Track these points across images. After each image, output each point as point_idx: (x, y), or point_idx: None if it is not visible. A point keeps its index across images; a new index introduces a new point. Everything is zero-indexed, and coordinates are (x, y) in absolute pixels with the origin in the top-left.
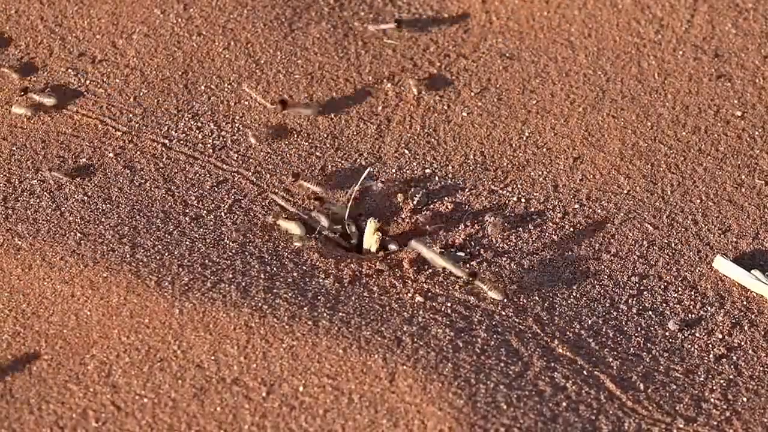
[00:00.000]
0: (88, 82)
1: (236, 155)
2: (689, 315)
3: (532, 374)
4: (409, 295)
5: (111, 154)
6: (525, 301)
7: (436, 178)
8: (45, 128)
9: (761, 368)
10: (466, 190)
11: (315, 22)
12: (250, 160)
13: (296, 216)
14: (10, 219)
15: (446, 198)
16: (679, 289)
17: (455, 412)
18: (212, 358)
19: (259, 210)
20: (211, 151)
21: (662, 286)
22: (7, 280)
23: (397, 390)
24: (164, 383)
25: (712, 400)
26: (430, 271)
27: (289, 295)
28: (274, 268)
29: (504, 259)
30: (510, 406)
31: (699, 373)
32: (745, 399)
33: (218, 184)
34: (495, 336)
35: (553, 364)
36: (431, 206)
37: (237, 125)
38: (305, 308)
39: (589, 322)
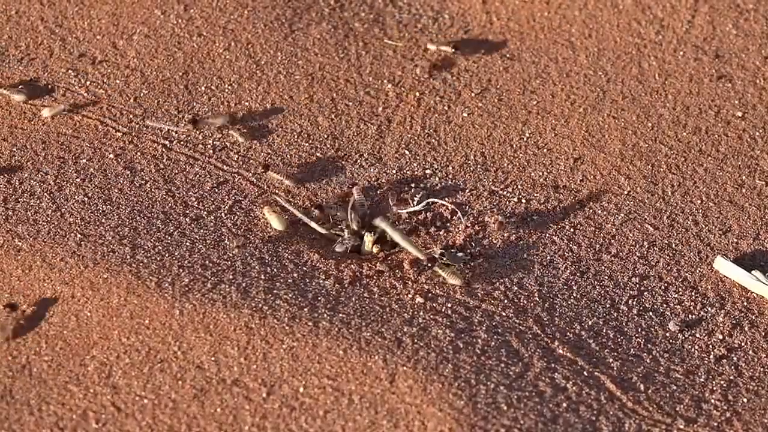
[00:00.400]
0: (88, 83)
1: (236, 156)
2: (690, 316)
3: (532, 375)
4: (410, 296)
5: (111, 155)
6: (525, 301)
7: (437, 179)
8: (45, 129)
9: (761, 369)
10: (467, 190)
11: (315, 23)
12: (251, 161)
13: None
14: (11, 220)
15: (447, 199)
16: (680, 289)
17: (455, 412)
18: (212, 359)
19: (259, 211)
20: (211, 152)
21: (663, 287)
22: (8, 281)
23: (398, 391)
24: (164, 384)
25: (712, 400)
26: (431, 272)
27: (290, 296)
28: (275, 269)
29: (504, 259)
30: (510, 407)
31: (699, 373)
32: (745, 400)
33: (218, 185)
34: (495, 337)
35: (553, 365)
36: (431, 207)
37: (237, 125)
38: (305, 309)
39: (590, 322)
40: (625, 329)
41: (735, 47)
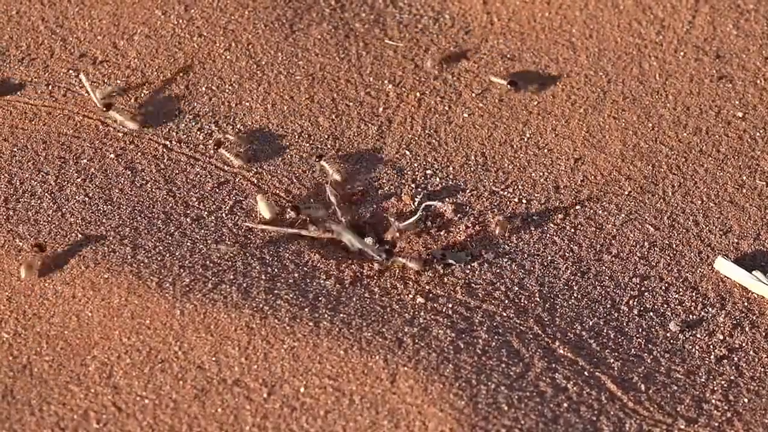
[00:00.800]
0: (89, 83)
1: (237, 156)
2: (690, 316)
3: (533, 375)
4: (410, 296)
5: (112, 155)
6: (526, 302)
7: (437, 179)
8: (46, 129)
9: (762, 369)
10: (467, 191)
11: (316, 24)
12: (251, 161)
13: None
14: (11, 220)
15: (447, 199)
16: (680, 290)
17: (456, 413)
18: (213, 359)
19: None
20: (212, 152)
21: (663, 287)
22: (8, 282)
23: (398, 391)
24: (165, 384)
25: (713, 401)
26: (431, 272)
27: (290, 296)
28: (275, 269)
29: (505, 259)
30: (511, 407)
31: (700, 374)
32: (746, 400)
33: (219, 185)
34: (496, 337)
35: (554, 365)
36: (432, 207)
37: (238, 126)
38: (306, 309)
39: (591, 323)
40: (626, 329)
41: (736, 48)
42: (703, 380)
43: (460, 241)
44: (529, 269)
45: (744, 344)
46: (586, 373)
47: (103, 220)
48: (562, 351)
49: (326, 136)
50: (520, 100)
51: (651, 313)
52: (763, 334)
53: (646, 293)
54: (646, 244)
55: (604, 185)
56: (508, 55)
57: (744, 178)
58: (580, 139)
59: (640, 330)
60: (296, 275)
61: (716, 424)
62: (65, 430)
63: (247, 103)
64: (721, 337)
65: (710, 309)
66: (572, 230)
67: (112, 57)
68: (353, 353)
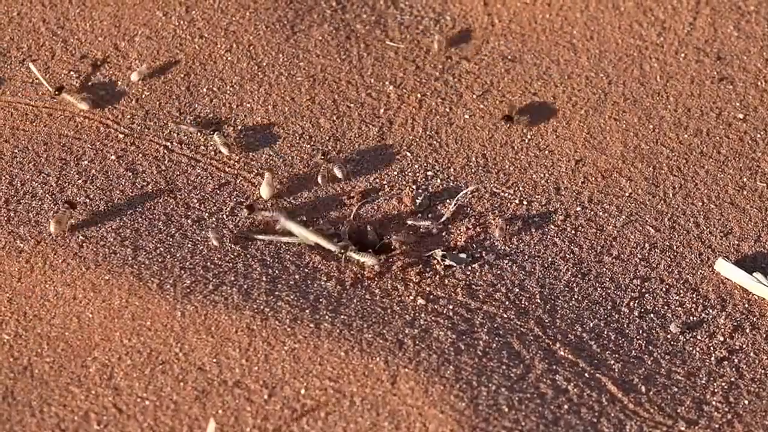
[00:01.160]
0: (90, 84)
1: (238, 157)
2: (691, 318)
3: (533, 377)
4: (411, 297)
5: (113, 157)
6: (527, 303)
7: (438, 181)
8: (47, 131)
9: (763, 371)
10: (468, 192)
11: (317, 25)
12: (252, 162)
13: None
14: (12, 221)
15: (448, 200)
16: (681, 291)
17: (457, 414)
18: (214, 360)
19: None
20: (213, 153)
21: (664, 289)
22: (9, 283)
23: (399, 392)
24: (166, 386)
25: (713, 402)
26: (432, 273)
27: (291, 297)
28: (276, 271)
29: (506, 261)
30: (512, 409)
31: (701, 375)
32: (746, 402)
33: (220, 187)
34: (497, 338)
35: (554, 367)
36: (433, 208)
37: (239, 127)
38: (307, 311)
39: (591, 324)
40: (627, 331)
41: (736, 49)
42: (703, 382)
43: (461, 242)
44: (530, 271)
45: (744, 346)
46: (586, 374)
47: (104, 222)
48: (562, 352)
49: (327, 138)
50: (521, 102)
51: (651, 315)
52: (764, 335)
53: (646, 295)
54: (646, 245)
55: (604, 187)
56: (509, 57)
57: (745, 179)
58: (581, 140)
59: (640, 331)
60: (297, 277)
61: (717, 426)
62: None
63: (248, 105)
64: (722, 339)
65: (711, 311)
66: (573, 232)
67: (113, 58)
68: (354, 355)
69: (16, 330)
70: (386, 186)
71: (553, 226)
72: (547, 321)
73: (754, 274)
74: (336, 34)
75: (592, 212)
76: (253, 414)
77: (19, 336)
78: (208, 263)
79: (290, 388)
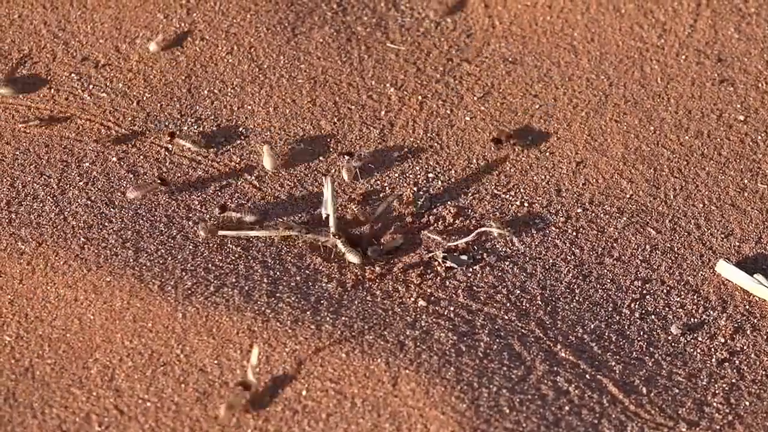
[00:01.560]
0: (91, 86)
1: (239, 159)
2: (692, 319)
3: (534, 378)
4: (412, 299)
5: (114, 159)
6: (528, 305)
7: (439, 182)
8: (48, 132)
9: (764, 372)
10: (469, 194)
11: (318, 27)
12: (253, 164)
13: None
14: (14, 223)
15: (449, 202)
16: (682, 293)
17: (458, 416)
18: (215, 362)
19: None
20: (213, 155)
21: (665, 290)
22: (11, 284)
23: (400, 394)
24: (167, 387)
25: (714, 404)
26: (433, 275)
27: (292, 299)
28: (277, 273)
29: (507, 263)
30: (513, 410)
31: (701, 377)
32: (747, 403)
33: (221, 188)
34: (498, 340)
35: (555, 368)
36: (434, 210)
37: (240, 129)
38: (308, 312)
39: (592, 326)
40: (628, 332)
41: (737, 51)
42: (704, 383)
43: (462, 243)
44: (531, 272)
45: (745, 347)
46: (587, 376)
47: (105, 223)
48: (563, 354)
49: (328, 139)
50: (522, 104)
51: (652, 317)
52: (765, 337)
53: (647, 296)
54: (647, 247)
55: (605, 188)
56: (510, 59)
57: (745, 181)
58: (582, 142)
59: (641, 333)
60: (298, 278)
61: (717, 427)
62: None
63: (249, 107)
64: (723, 341)
65: (712, 312)
66: (574, 233)
67: (114, 60)
68: (355, 356)
69: (18, 331)
70: (387, 188)
71: (554, 228)
72: (548, 322)
73: (754, 275)
74: (337, 36)
75: (593, 214)
76: (254, 415)
77: (21, 337)
78: (210, 265)
79: (291, 390)
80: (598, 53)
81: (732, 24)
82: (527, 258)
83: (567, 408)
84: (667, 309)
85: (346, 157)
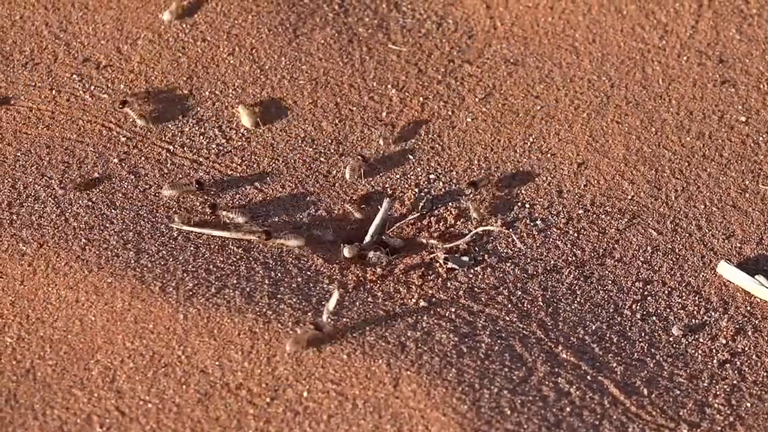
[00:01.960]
0: (92, 87)
1: (240, 160)
2: (693, 320)
3: (536, 379)
4: (413, 300)
5: (115, 160)
6: (529, 306)
7: (441, 184)
8: (50, 134)
9: (765, 374)
10: (471, 195)
11: (320, 28)
12: (254, 165)
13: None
14: (15, 224)
15: (450, 204)
16: (683, 294)
17: (459, 417)
18: (216, 363)
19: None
20: (215, 156)
21: (666, 292)
22: (12, 286)
23: (401, 395)
24: (168, 389)
25: (715, 405)
26: (434, 276)
27: (294, 300)
28: (279, 274)
29: (508, 264)
30: (514, 411)
31: (703, 378)
32: (748, 404)
33: (223, 190)
34: (499, 341)
35: (557, 370)
36: (435, 212)
37: (241, 131)
38: (309, 313)
39: (593, 327)
40: (629, 334)
41: (739, 52)
42: (705, 384)
43: (464, 245)
44: (532, 273)
45: (747, 348)
46: (588, 377)
47: (107, 225)
48: (564, 355)
49: (330, 141)
50: (523, 105)
51: (654, 318)
52: (766, 338)
53: (648, 297)
54: (648, 248)
55: (607, 190)
56: (511, 60)
57: (747, 182)
58: (583, 143)
59: (642, 334)
60: (299, 279)
61: (719, 429)
62: None
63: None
64: (724, 342)
65: (713, 313)
66: (575, 235)
67: (116, 61)
68: (356, 357)
69: (19, 333)
70: (388, 189)
71: (555, 229)
72: (549, 324)
73: (756, 276)
74: (338, 38)
75: (595, 215)
76: (255, 417)
77: (22, 339)
78: (211, 266)
79: (292, 391)
80: (599, 54)
81: (733, 25)
82: (528, 259)
83: (568, 409)
84: (668, 310)
85: (359, 158)
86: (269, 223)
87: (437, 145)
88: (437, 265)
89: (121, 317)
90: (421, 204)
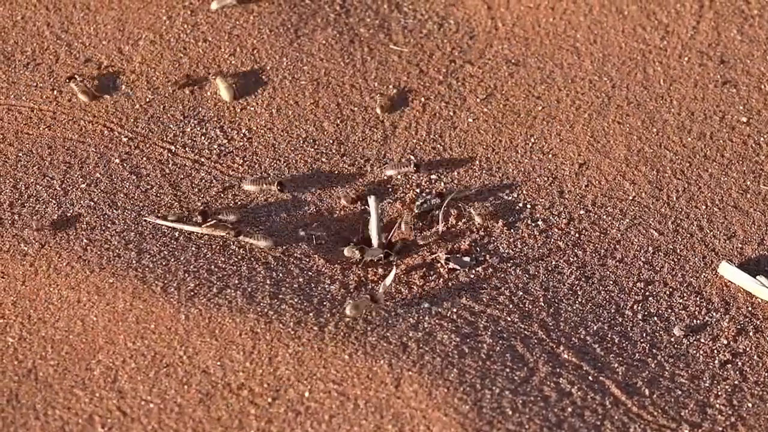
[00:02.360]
0: (94, 88)
1: (242, 161)
2: (694, 321)
3: (537, 380)
4: (415, 300)
5: (117, 160)
6: (530, 306)
7: (442, 184)
8: (51, 134)
9: (766, 374)
10: (472, 196)
11: (321, 29)
12: (256, 165)
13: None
14: (17, 225)
15: (451, 204)
16: (685, 294)
17: (461, 417)
18: (218, 363)
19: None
20: (216, 156)
21: (667, 292)
22: (13, 286)
23: (403, 395)
24: (170, 389)
25: (717, 405)
26: (436, 276)
27: (295, 300)
28: (280, 274)
29: (509, 264)
30: (515, 412)
31: (704, 378)
32: (750, 405)
33: (224, 190)
34: (500, 342)
35: (558, 370)
36: (436, 212)
37: (243, 131)
38: (311, 314)
39: (595, 327)
40: (630, 334)
41: (740, 53)
42: (707, 385)
43: (465, 245)
44: (534, 274)
45: (748, 349)
46: (590, 377)
47: (108, 225)
48: (566, 356)
49: (331, 141)
50: (525, 106)
51: (655, 318)
52: (767, 339)
53: (650, 298)
54: (650, 249)
55: (608, 190)
56: (513, 60)
57: (748, 183)
58: (585, 144)
59: (644, 335)
60: (301, 280)
61: (720, 429)
62: None
63: (252, 108)
64: (725, 342)
65: (714, 314)
66: (576, 235)
67: (117, 62)
68: (358, 358)
69: (21, 333)
70: (390, 189)
71: (556, 230)
72: (550, 324)
73: (757, 277)
74: (340, 38)
75: (596, 215)
76: (257, 417)
77: (24, 339)
78: (212, 266)
79: (294, 391)
80: (600, 55)
81: (735, 26)
82: (530, 259)
83: (570, 410)
84: (669, 311)
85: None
86: (269, 223)
87: (438, 146)
88: (438, 265)
89: (123, 317)
90: (423, 204)
